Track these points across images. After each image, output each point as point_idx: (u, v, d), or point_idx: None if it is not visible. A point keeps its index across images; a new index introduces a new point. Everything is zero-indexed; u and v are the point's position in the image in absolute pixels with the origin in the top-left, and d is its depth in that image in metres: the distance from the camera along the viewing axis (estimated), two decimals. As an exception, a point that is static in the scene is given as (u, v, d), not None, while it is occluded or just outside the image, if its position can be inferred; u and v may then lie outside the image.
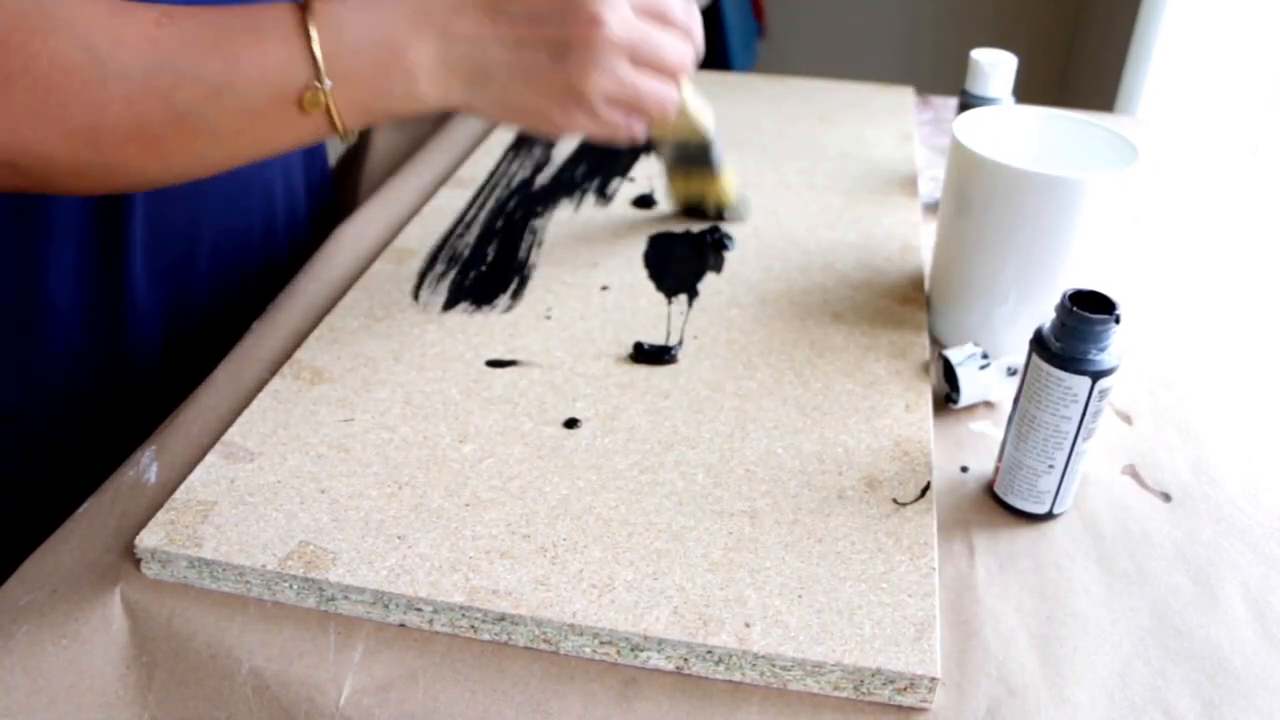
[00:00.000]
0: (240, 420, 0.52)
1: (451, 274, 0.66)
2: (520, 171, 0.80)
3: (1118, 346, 0.45)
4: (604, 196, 0.77)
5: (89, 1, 0.43)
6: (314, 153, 0.79)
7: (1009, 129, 0.61)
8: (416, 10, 0.48)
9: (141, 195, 0.59)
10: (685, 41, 0.54)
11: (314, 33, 0.45)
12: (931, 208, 0.79)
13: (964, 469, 0.53)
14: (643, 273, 0.66)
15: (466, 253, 0.68)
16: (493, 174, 0.80)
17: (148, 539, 0.44)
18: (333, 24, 0.46)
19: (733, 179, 0.71)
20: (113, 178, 0.46)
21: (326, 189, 0.82)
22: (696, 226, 0.71)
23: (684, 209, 0.73)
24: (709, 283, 0.65)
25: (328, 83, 0.45)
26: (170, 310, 0.64)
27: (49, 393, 0.60)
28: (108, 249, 0.59)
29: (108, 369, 0.62)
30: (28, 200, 0.54)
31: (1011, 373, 0.56)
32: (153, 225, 0.61)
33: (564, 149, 0.85)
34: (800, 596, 0.43)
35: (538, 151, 0.84)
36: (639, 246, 0.69)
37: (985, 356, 0.56)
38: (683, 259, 0.68)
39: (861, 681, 0.40)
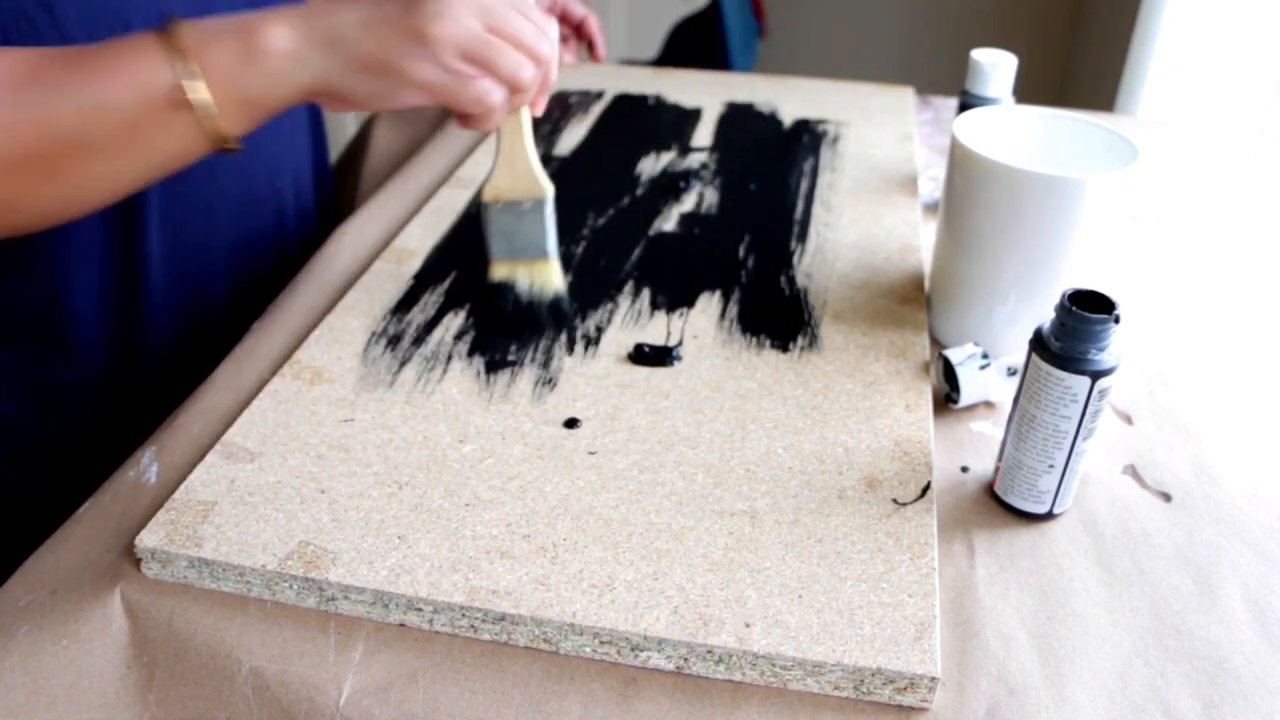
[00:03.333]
0: (240, 420, 0.52)
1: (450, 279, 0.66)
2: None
3: (1117, 346, 0.45)
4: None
5: None
6: (319, 155, 0.79)
7: (1009, 129, 0.61)
8: (276, 5, 0.49)
9: (156, 210, 0.60)
10: (544, 34, 0.52)
11: (174, 31, 0.46)
12: (931, 208, 0.79)
13: (964, 469, 0.53)
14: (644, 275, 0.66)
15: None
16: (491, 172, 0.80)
17: (148, 539, 0.44)
18: (189, 26, 0.46)
19: (558, 269, 0.62)
20: (13, 212, 0.47)
21: (329, 189, 0.83)
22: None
23: (494, 286, 0.61)
24: (709, 284, 0.65)
25: (195, 69, 0.45)
26: (188, 320, 0.65)
27: (61, 404, 0.61)
28: (126, 264, 0.60)
29: (124, 381, 0.63)
30: (48, 230, 0.55)
31: (1011, 373, 0.56)
32: (169, 239, 0.62)
33: (565, 146, 0.85)
34: (800, 596, 0.43)
35: (537, 149, 0.84)
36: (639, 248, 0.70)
37: (985, 356, 0.56)
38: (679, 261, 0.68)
39: (862, 681, 0.40)
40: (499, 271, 0.60)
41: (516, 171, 0.58)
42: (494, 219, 0.59)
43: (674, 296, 0.64)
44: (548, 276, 0.61)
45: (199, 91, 0.46)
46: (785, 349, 0.59)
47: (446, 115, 0.95)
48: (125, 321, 0.62)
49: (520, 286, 0.60)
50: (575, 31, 0.94)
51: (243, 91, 0.47)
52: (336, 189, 0.87)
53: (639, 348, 0.58)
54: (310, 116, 0.77)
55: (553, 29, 0.53)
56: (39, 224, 0.49)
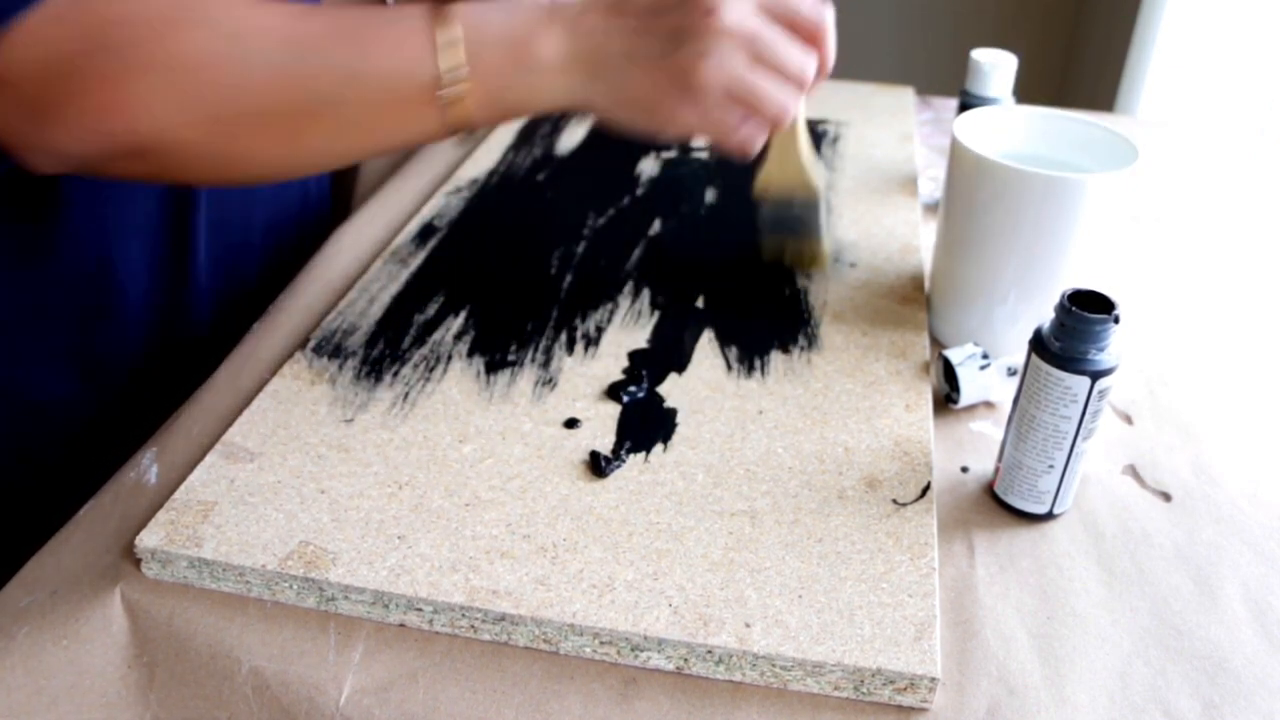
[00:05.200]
0: (240, 420, 0.52)
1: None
2: (523, 167, 0.80)
3: (1117, 346, 0.45)
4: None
5: None
6: None
7: (1009, 129, 0.61)
8: (546, 7, 0.48)
9: (206, 189, 0.60)
10: (810, 50, 0.51)
11: (448, 23, 0.46)
12: (931, 208, 0.79)
13: (964, 469, 0.53)
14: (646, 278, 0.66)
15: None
16: (491, 173, 0.80)
17: (148, 539, 0.44)
18: (465, 15, 0.47)
19: (829, 243, 0.66)
20: (235, 167, 0.48)
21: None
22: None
23: (772, 261, 0.67)
24: (709, 284, 0.65)
25: (464, 69, 0.46)
26: (227, 295, 0.66)
27: (105, 382, 0.61)
28: (176, 237, 0.60)
29: (165, 356, 0.64)
30: (102, 194, 0.55)
31: (1011, 373, 0.56)
32: (216, 214, 0.63)
33: (565, 146, 0.85)
34: (800, 596, 0.43)
35: (538, 150, 0.84)
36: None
37: (985, 356, 0.56)
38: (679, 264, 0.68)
39: (862, 681, 0.40)
40: (769, 251, 0.65)
41: (787, 169, 0.60)
42: (766, 213, 0.63)
43: (674, 297, 0.64)
44: (815, 253, 0.64)
45: (459, 89, 0.46)
46: (785, 349, 0.59)
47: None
48: (171, 295, 0.62)
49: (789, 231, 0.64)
50: None
51: (504, 98, 0.48)
52: (336, 189, 0.87)
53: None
54: None
55: (828, 17, 0.51)
56: (256, 181, 0.50)
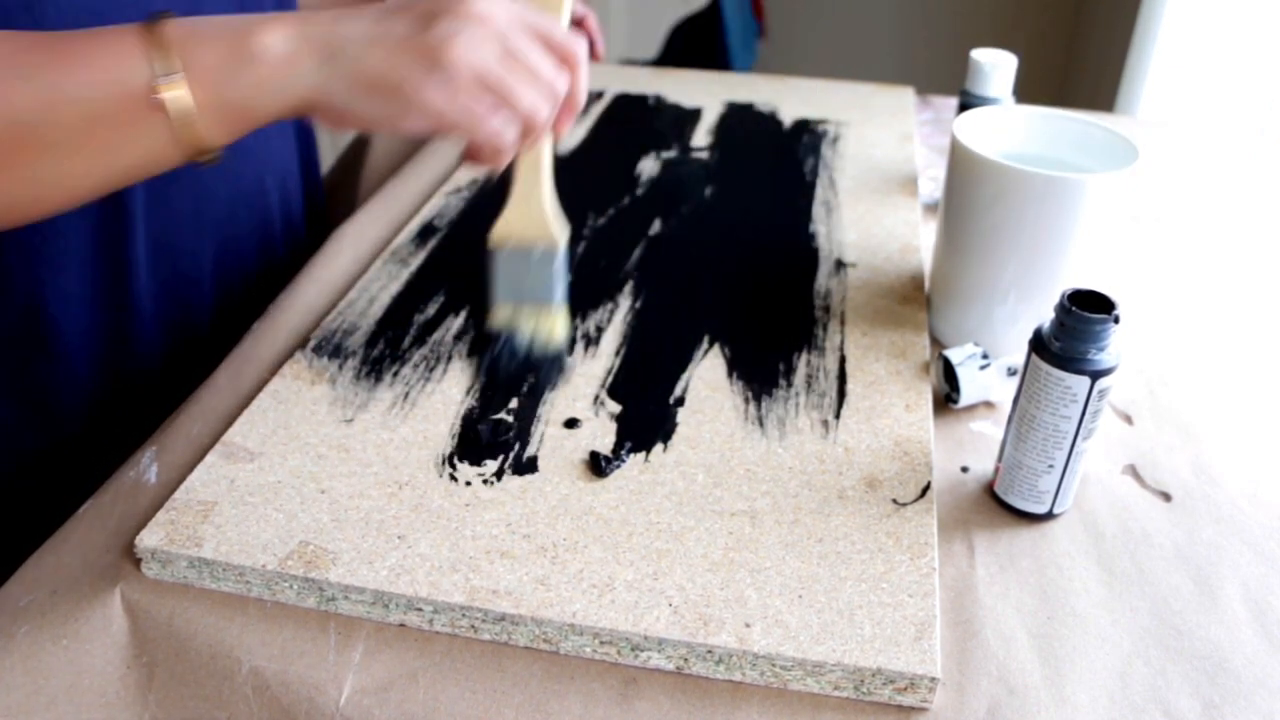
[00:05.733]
0: (240, 420, 0.52)
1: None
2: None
3: (1117, 346, 0.45)
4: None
5: None
6: (307, 156, 0.78)
7: (1009, 129, 0.61)
8: (280, 12, 0.46)
9: (141, 213, 0.58)
10: (563, 69, 0.48)
11: (159, 26, 0.42)
12: (931, 208, 0.79)
13: (964, 469, 0.53)
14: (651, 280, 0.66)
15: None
16: (491, 173, 0.80)
17: (148, 539, 0.44)
18: (181, 20, 0.43)
19: (564, 320, 0.56)
20: None
21: (318, 192, 0.82)
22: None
23: (494, 335, 0.56)
24: (709, 284, 0.65)
25: (177, 68, 0.42)
26: (175, 324, 0.64)
27: (51, 409, 0.60)
28: (112, 269, 0.58)
29: (111, 389, 0.62)
30: (29, 228, 0.53)
31: (1011, 373, 0.56)
32: (155, 243, 0.60)
33: (565, 146, 0.85)
34: (800, 596, 0.43)
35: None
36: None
37: (985, 356, 0.56)
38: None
39: (862, 681, 0.40)
40: (500, 317, 0.55)
41: (530, 213, 0.53)
42: (501, 264, 0.54)
43: (673, 297, 0.64)
44: (552, 326, 0.55)
45: (177, 92, 0.42)
46: (785, 349, 0.59)
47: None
48: (112, 327, 0.60)
49: (521, 337, 0.55)
50: (574, 28, 0.93)
51: (228, 97, 0.43)
52: (336, 189, 0.87)
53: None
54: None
55: (580, 48, 0.49)
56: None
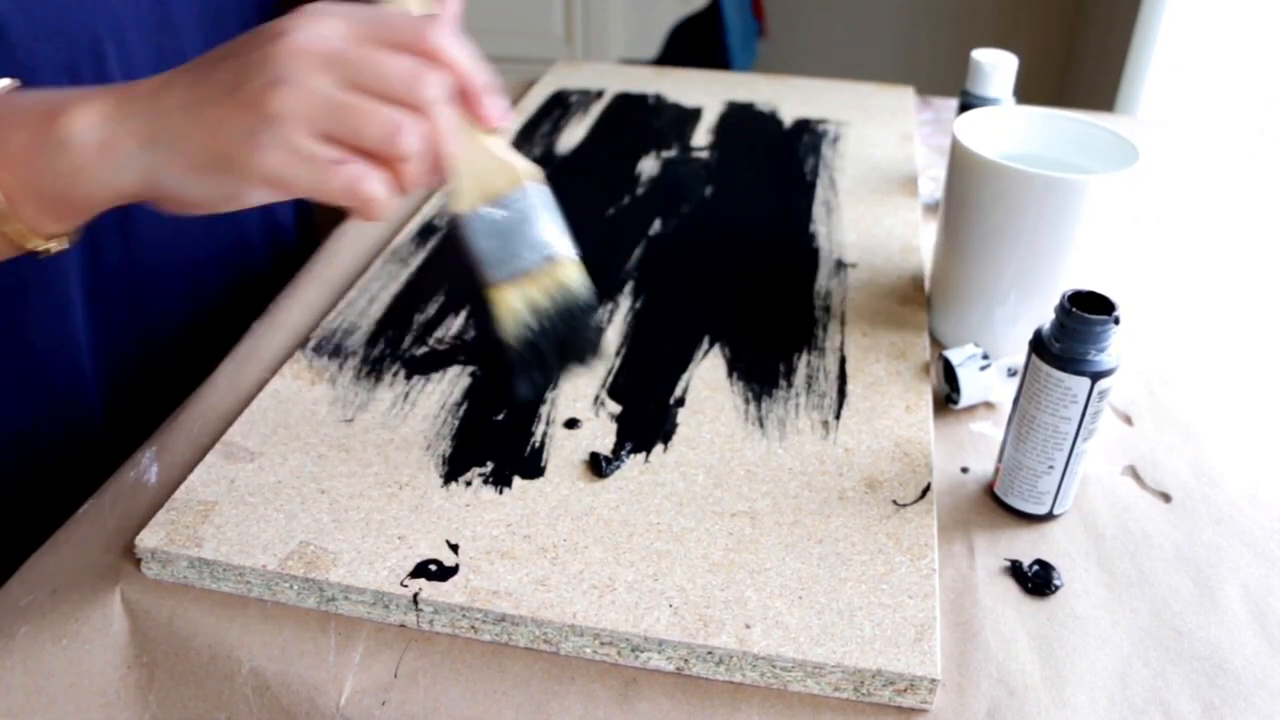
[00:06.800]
0: (240, 420, 0.52)
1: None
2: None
3: (1117, 347, 0.45)
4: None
5: None
6: None
7: (1009, 129, 0.61)
8: (101, 87, 0.40)
9: (86, 278, 0.56)
10: (425, 67, 0.39)
11: None
12: (931, 208, 0.79)
13: (964, 470, 0.53)
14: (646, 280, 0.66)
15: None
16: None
17: (148, 539, 0.44)
18: None
19: (578, 270, 0.46)
20: None
21: (308, 206, 0.80)
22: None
23: (518, 350, 0.45)
24: (709, 284, 0.65)
25: None
26: (140, 340, 0.62)
27: (20, 452, 0.57)
28: (50, 308, 0.55)
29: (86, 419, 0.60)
30: None
31: (1012, 373, 0.56)
32: (128, 265, 0.58)
33: (565, 146, 0.85)
34: (800, 597, 0.43)
35: (538, 150, 0.84)
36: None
37: (986, 357, 0.56)
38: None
39: (862, 683, 0.40)
40: (506, 300, 0.44)
41: (484, 164, 0.43)
42: (476, 235, 0.44)
43: (673, 297, 0.64)
44: (569, 283, 0.45)
45: None
46: (785, 349, 0.59)
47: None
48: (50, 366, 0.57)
49: (538, 317, 0.45)
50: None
51: (42, 186, 0.39)
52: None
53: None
54: None
55: (437, 29, 0.40)
56: None
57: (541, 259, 0.44)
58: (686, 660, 0.41)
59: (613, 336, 0.60)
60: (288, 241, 0.75)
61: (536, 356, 0.45)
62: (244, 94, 0.37)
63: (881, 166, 0.83)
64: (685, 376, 0.56)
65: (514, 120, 0.89)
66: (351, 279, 0.66)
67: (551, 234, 0.44)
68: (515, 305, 0.44)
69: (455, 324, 0.60)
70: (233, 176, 0.38)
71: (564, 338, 0.45)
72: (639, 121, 0.91)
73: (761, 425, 0.53)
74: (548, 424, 0.52)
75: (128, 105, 0.39)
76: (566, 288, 0.45)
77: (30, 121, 0.39)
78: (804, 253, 0.69)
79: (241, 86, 0.37)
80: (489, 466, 0.49)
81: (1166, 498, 0.52)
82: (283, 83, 0.37)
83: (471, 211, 0.44)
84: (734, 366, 0.57)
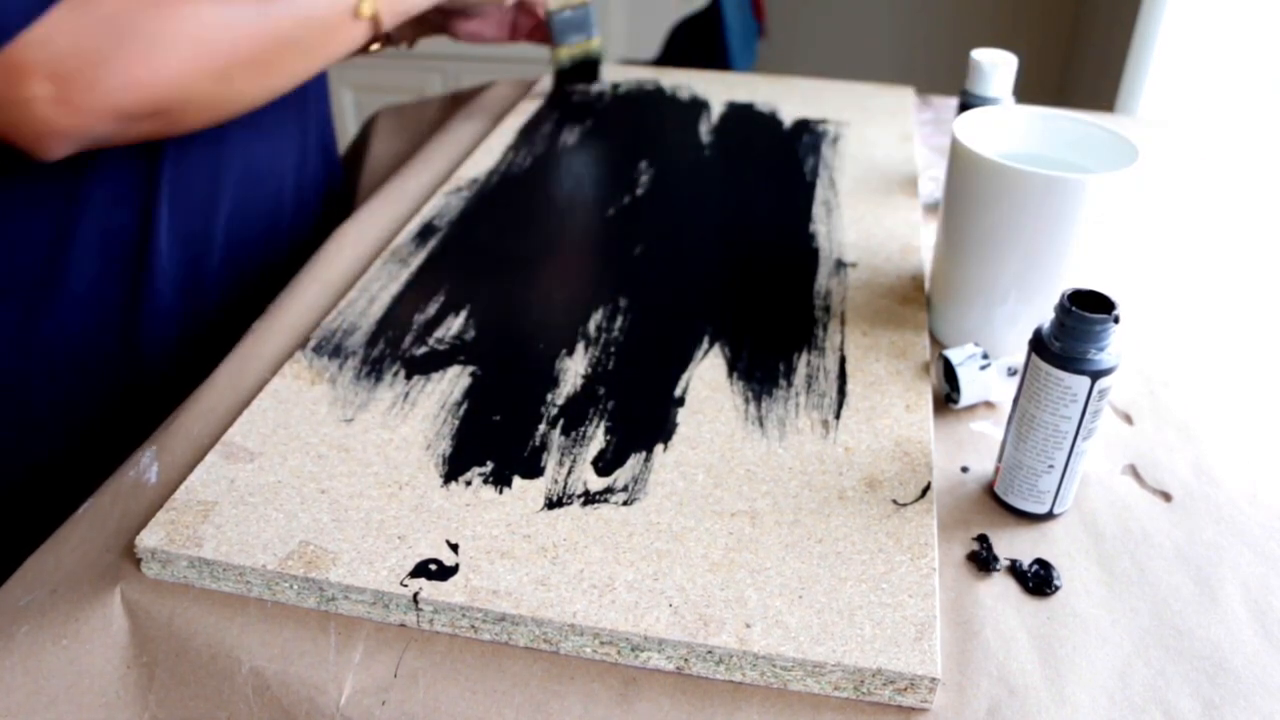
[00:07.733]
0: (240, 420, 0.52)
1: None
2: (522, 165, 0.80)
3: (1117, 346, 0.45)
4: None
5: None
6: (324, 140, 0.82)
7: (1009, 129, 0.61)
8: None
9: (168, 176, 0.64)
10: None
11: None
12: (931, 208, 0.79)
13: (964, 469, 0.53)
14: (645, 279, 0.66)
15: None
16: (491, 173, 0.80)
17: (148, 539, 0.44)
18: None
19: (599, 42, 0.93)
20: (228, 106, 0.59)
21: (336, 177, 0.86)
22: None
23: (562, 75, 0.94)
24: (709, 284, 0.65)
25: None
26: (185, 299, 0.68)
27: (53, 367, 0.63)
28: (135, 225, 0.64)
29: (119, 353, 0.65)
30: (66, 174, 0.59)
31: (1012, 373, 0.56)
32: (177, 206, 0.65)
33: (567, 142, 0.85)
34: (800, 597, 0.43)
35: (538, 149, 0.84)
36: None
37: (985, 357, 0.56)
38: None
39: (862, 682, 0.40)
40: (562, 52, 0.92)
41: None
42: (555, 19, 0.89)
43: (674, 297, 0.64)
44: (592, 49, 0.93)
45: (371, 6, 0.63)
46: (785, 349, 0.59)
47: (447, 116, 0.94)
48: (125, 286, 0.64)
49: (573, 60, 0.94)
50: None
51: (397, 5, 0.66)
52: (331, 196, 0.87)
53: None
54: (315, 99, 0.78)
55: None
56: (241, 114, 0.61)
57: (584, 38, 0.92)
58: (686, 660, 0.41)
59: (612, 336, 0.60)
60: (310, 213, 0.81)
61: (570, 73, 0.95)
62: None
63: (881, 166, 0.83)
64: (685, 376, 0.56)
65: (515, 120, 0.90)
66: (352, 279, 0.66)
67: (590, 26, 0.91)
68: (564, 56, 0.93)
69: (455, 324, 0.60)
70: None
71: (585, 70, 0.95)
72: (639, 121, 0.91)
73: (761, 425, 0.53)
74: (548, 424, 0.52)
75: None
76: (592, 50, 0.94)
77: None
78: (804, 252, 0.69)
79: None
80: (489, 466, 0.49)
81: (1167, 497, 0.52)
82: None
83: (556, 10, 0.88)
84: (734, 366, 0.57)
